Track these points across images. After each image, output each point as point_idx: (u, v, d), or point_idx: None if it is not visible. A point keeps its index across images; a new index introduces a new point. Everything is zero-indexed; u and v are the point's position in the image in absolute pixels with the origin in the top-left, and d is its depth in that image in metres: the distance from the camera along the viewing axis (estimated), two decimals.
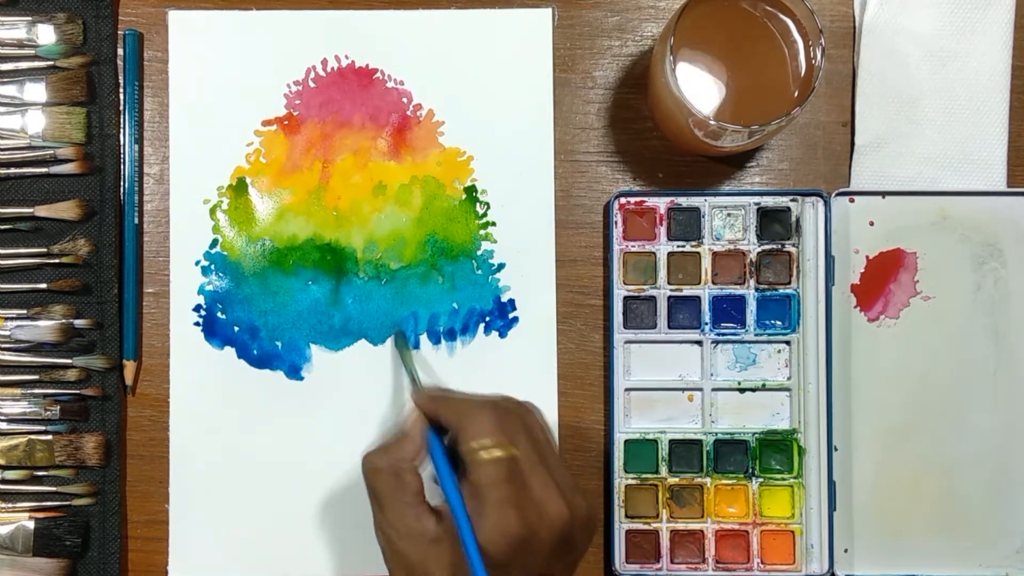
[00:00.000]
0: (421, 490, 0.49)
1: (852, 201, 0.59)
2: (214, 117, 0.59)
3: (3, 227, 0.58)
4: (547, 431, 0.51)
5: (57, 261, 0.58)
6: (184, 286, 0.59)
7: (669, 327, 0.59)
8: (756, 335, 0.59)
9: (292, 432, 0.59)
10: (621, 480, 0.58)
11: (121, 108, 0.59)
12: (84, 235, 0.58)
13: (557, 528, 0.47)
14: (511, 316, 0.59)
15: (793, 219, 0.59)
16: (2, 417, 0.58)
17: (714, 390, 0.59)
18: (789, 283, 0.59)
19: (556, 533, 0.47)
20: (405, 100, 0.59)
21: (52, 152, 0.58)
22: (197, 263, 0.59)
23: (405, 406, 0.57)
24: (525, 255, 0.59)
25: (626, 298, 0.59)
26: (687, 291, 0.59)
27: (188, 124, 0.59)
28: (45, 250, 0.58)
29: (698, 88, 0.53)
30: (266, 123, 0.59)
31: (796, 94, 0.53)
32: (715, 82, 0.53)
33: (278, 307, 0.59)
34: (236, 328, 0.59)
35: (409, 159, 0.59)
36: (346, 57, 0.60)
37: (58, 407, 0.57)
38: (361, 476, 0.49)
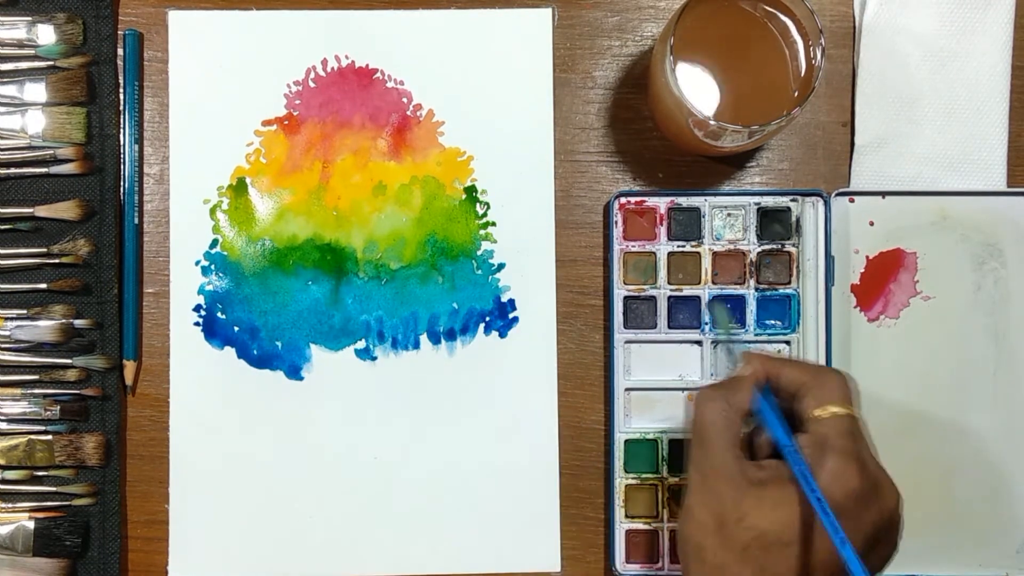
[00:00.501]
0: (743, 439, 0.48)
1: (852, 201, 0.59)
2: (214, 117, 0.59)
3: (3, 227, 0.58)
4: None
5: (57, 261, 0.58)
6: (184, 286, 0.59)
7: (669, 327, 0.59)
8: (756, 335, 0.59)
9: (292, 432, 0.59)
10: (621, 480, 0.58)
11: (121, 108, 0.59)
12: (84, 235, 0.58)
13: (887, 509, 0.46)
14: (511, 316, 0.59)
15: (793, 219, 0.59)
16: (2, 417, 0.58)
17: None
18: (789, 283, 0.59)
19: (885, 514, 0.46)
20: (405, 100, 0.59)
21: (52, 152, 0.58)
22: (197, 263, 0.59)
23: (735, 362, 0.56)
24: (525, 255, 0.59)
25: (626, 298, 0.59)
26: (687, 291, 0.59)
27: (188, 124, 0.59)
28: (45, 250, 0.58)
29: (698, 88, 0.53)
30: (266, 123, 0.59)
31: (796, 94, 0.53)
32: (715, 82, 0.53)
33: (278, 307, 0.59)
34: (236, 328, 0.59)
35: (409, 159, 0.59)
36: (346, 57, 0.60)
37: (58, 407, 0.57)
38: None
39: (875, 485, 0.46)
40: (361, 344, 0.59)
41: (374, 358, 0.59)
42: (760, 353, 0.51)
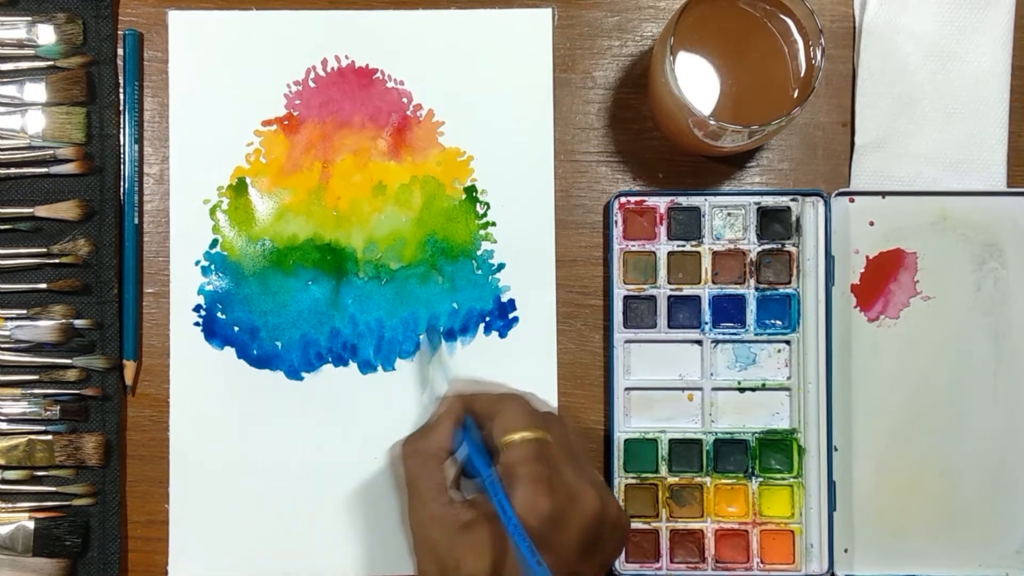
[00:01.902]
0: (451, 479, 0.50)
1: (852, 201, 0.59)
2: (214, 117, 0.59)
3: (3, 227, 0.58)
4: (579, 436, 0.52)
5: (57, 261, 0.58)
6: (184, 286, 0.59)
7: (669, 327, 0.59)
8: (756, 335, 0.59)
9: (292, 432, 0.59)
10: (621, 479, 0.58)
11: (121, 108, 0.59)
12: (84, 235, 0.58)
13: (588, 517, 0.47)
14: (511, 316, 0.59)
15: (793, 219, 0.59)
16: (2, 417, 0.58)
17: (714, 389, 0.59)
18: (789, 283, 0.59)
19: (587, 522, 0.47)
20: (405, 100, 0.59)
21: (52, 152, 0.58)
22: (197, 263, 0.59)
23: (427, 397, 0.58)
24: (525, 255, 0.59)
25: (626, 298, 0.59)
26: (687, 291, 0.59)
27: (188, 124, 0.59)
28: (45, 250, 0.58)
29: (698, 88, 0.53)
30: (266, 123, 0.59)
31: (796, 94, 0.53)
32: (715, 82, 0.53)
33: (278, 307, 0.59)
34: (236, 328, 0.59)
35: (409, 159, 0.59)
36: (346, 57, 0.60)
37: (58, 407, 0.57)
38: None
39: (571, 499, 0.47)
40: None
41: None
42: (458, 385, 0.53)
